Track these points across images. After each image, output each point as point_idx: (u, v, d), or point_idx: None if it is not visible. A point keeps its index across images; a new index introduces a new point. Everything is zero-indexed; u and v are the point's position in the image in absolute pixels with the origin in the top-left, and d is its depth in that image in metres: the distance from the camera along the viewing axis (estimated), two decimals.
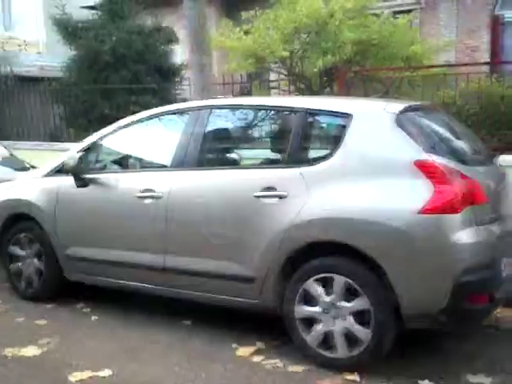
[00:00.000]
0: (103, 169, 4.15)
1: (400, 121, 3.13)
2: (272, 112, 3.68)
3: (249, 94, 8.87)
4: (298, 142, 3.36)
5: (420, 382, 2.99)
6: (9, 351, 3.48)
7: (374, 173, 3.05)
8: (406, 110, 3.26)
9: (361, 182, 3.06)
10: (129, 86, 9.33)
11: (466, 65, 7.33)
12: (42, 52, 19.52)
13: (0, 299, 4.45)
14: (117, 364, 3.27)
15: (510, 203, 3.43)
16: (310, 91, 7.88)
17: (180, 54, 11.33)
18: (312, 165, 3.24)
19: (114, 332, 3.67)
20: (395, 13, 9.20)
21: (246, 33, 8.14)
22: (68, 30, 10.32)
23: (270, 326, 3.66)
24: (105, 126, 7.94)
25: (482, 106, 5.85)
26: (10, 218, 4.47)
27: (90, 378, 3.13)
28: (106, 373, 3.18)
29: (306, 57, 7.70)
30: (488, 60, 10.31)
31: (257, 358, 3.33)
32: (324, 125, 3.50)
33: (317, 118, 3.43)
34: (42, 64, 14.78)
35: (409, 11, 10.44)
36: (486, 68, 7.73)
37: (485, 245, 2.98)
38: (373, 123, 3.18)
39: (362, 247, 2.97)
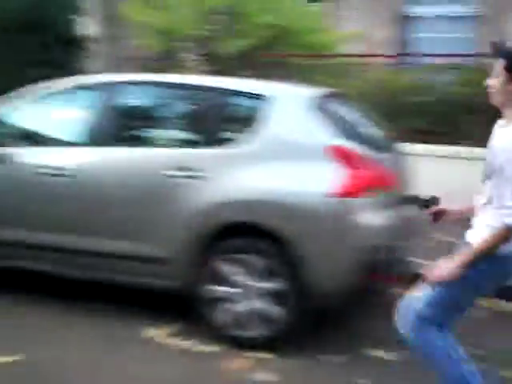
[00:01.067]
0: (5, 143, 3.86)
1: (314, 106, 3.22)
2: (189, 91, 3.60)
3: (161, 71, 8.64)
4: (214, 123, 3.36)
5: (320, 356, 3.12)
6: None
7: (288, 156, 3.12)
8: (320, 96, 3.36)
9: (274, 165, 3.12)
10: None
11: (369, 56, 7.61)
12: None
13: None
14: (27, 349, 3.10)
15: (410, 189, 3.66)
16: (225, 74, 7.81)
17: (85, 25, 10.78)
18: (228, 146, 3.25)
19: (23, 317, 3.47)
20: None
21: (156, 8, 7.86)
22: None
23: (186, 308, 3.65)
24: None
25: (382, 95, 6.16)
26: None
27: (4, 364, 2.95)
28: (17, 357, 3.00)
29: (219, 39, 7.61)
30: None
31: (171, 340, 3.31)
32: (240, 106, 3.50)
33: (233, 98, 3.43)
34: None
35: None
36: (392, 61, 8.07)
37: (386, 228, 3.17)
38: (288, 107, 3.24)
39: (274, 228, 3.03)
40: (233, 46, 7.32)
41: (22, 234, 3.63)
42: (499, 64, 2.08)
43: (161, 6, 7.95)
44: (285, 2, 8.01)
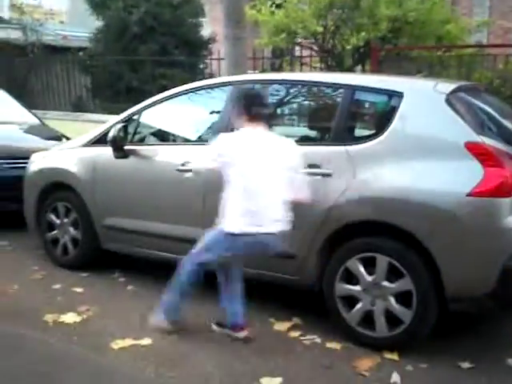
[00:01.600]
0: (143, 141, 4.15)
1: (450, 101, 3.08)
2: (318, 88, 3.62)
3: (279, 69, 8.79)
4: (343, 120, 3.33)
5: (460, 363, 3.00)
6: (49, 317, 3.54)
7: (423, 153, 3.00)
8: (455, 90, 3.20)
9: (409, 163, 3.02)
10: (157, 58, 9.28)
11: (503, 46, 7.14)
12: (65, 22, 19.50)
13: (36, 266, 4.52)
14: (156, 333, 3.31)
15: None
16: (341, 69, 7.75)
17: (206, 27, 11.24)
18: (358, 143, 3.20)
19: (152, 302, 3.69)
20: None
21: (278, 6, 7.99)
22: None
23: (306, 303, 3.68)
24: (131, 98, 7.96)
25: None
26: (48, 187, 4.51)
27: (132, 346, 3.18)
28: (146, 341, 3.22)
29: (338, 33, 7.56)
30: None
31: (294, 333, 3.36)
32: (372, 103, 3.43)
33: (365, 95, 3.37)
34: (65, 33, 14.76)
35: None
36: None
37: None
38: (423, 103, 3.13)
39: (408, 228, 2.95)
40: (353, 40, 7.21)
41: (154, 226, 3.87)
42: None
43: (281, 5, 8.06)
44: None
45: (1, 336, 3.30)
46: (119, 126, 3.92)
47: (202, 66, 9.99)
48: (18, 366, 2.94)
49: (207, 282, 3.27)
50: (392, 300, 3.06)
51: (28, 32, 12.02)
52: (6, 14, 18.31)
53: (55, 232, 4.49)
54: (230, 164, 3.01)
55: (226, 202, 3.04)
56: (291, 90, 3.73)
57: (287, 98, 3.78)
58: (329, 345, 3.21)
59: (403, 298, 3.03)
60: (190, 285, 3.21)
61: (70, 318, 3.54)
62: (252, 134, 3.08)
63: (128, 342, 3.22)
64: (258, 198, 2.98)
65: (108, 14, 9.85)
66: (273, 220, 3.01)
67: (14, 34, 12.17)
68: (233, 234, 3.01)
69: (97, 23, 10.46)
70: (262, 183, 3.00)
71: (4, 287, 4.03)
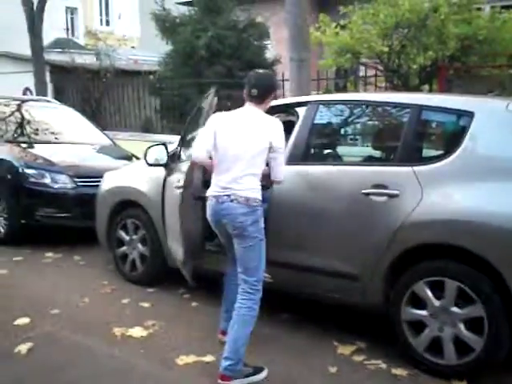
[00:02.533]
0: None
1: None
2: (384, 108, 3.60)
3: (343, 89, 8.78)
4: (411, 140, 3.28)
5: None
6: (117, 330, 3.65)
7: (496, 174, 2.91)
8: None
9: (480, 184, 2.93)
10: (223, 80, 9.52)
11: None
12: (135, 47, 20.44)
13: (106, 280, 4.69)
14: (220, 351, 3.33)
15: None
16: (407, 88, 7.65)
17: (270, 49, 11.43)
18: (427, 163, 3.14)
19: (215, 320, 3.74)
20: (501, 8, 8.70)
21: (343, 28, 8.02)
22: (166, 25, 10.68)
23: (370, 326, 3.61)
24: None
25: None
26: (118, 205, 4.70)
27: (195, 362, 3.23)
28: (209, 358, 3.26)
29: (404, 53, 7.48)
30: None
31: (358, 358, 3.30)
32: (441, 122, 3.37)
33: (433, 114, 3.32)
34: (136, 58, 15.47)
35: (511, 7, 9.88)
36: None
37: None
38: (495, 122, 3.04)
39: (480, 252, 2.84)
40: (420, 59, 7.11)
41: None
42: None
43: (345, 26, 8.09)
44: (474, 13, 7.60)
45: (71, 347, 3.44)
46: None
47: None
48: (84, 376, 3.06)
49: None
50: (461, 326, 2.95)
51: (102, 57, 12.68)
52: (82, 41, 19.48)
53: (124, 248, 4.66)
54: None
55: None
56: (358, 110, 3.72)
57: (354, 118, 3.77)
58: (394, 371, 3.12)
59: (474, 324, 2.91)
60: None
61: (137, 332, 3.64)
62: (239, 112, 3.16)
63: (192, 358, 3.27)
64: (225, 173, 3.07)
65: (177, 38, 10.23)
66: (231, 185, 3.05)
67: (89, 59, 12.89)
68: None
69: (166, 47, 10.90)
70: (231, 156, 3.05)
71: (75, 300, 4.21)
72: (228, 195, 3.03)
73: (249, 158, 3.03)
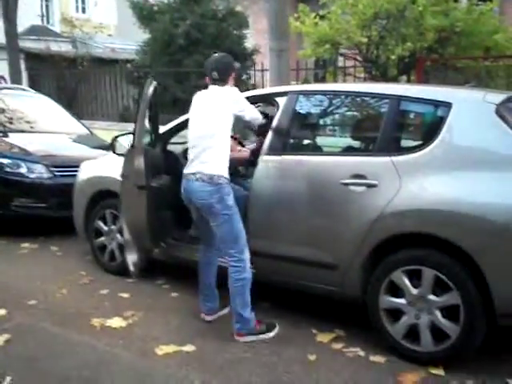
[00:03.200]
0: None
1: (500, 111, 3.01)
2: (362, 98, 3.62)
3: (322, 80, 8.80)
4: (389, 130, 3.30)
5: (509, 380, 2.90)
6: (96, 321, 3.63)
7: (473, 165, 2.95)
8: (505, 101, 3.12)
9: (458, 174, 2.96)
10: (201, 69, 9.45)
11: None
12: (112, 35, 20.12)
13: (84, 271, 4.65)
14: (199, 340, 3.36)
15: None
16: (385, 79, 7.71)
17: (250, 38, 11.38)
18: (405, 154, 3.17)
19: (194, 309, 3.74)
20: (478, 0, 8.80)
21: (322, 18, 8.04)
22: (143, 13, 10.55)
23: (348, 314, 3.65)
24: (176, 109, 8.09)
25: None
26: (96, 195, 4.65)
27: (175, 352, 3.23)
28: (189, 348, 3.27)
29: (383, 43, 7.53)
30: None
31: (336, 345, 3.33)
32: (419, 113, 3.40)
33: (411, 105, 3.34)
34: (113, 46, 15.25)
35: None
36: None
37: None
38: (472, 113, 3.07)
39: (456, 241, 2.89)
40: (398, 50, 7.17)
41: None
42: None
43: (324, 16, 8.11)
44: (451, 4, 7.68)
45: (49, 338, 3.41)
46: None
47: (245, 77, 10.10)
48: (66, 368, 3.03)
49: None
50: (438, 314, 3.00)
51: (78, 45, 12.47)
52: (58, 28, 19.09)
53: (103, 238, 4.62)
54: None
55: None
56: (337, 101, 3.73)
57: (332, 109, 3.79)
58: (372, 358, 3.17)
59: (450, 311, 2.96)
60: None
61: (116, 322, 3.62)
62: (202, 94, 3.44)
63: (172, 347, 3.27)
64: (191, 149, 3.34)
65: (155, 26, 10.11)
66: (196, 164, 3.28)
67: (65, 47, 12.67)
68: None
69: (144, 36, 10.76)
70: (195, 135, 3.33)
71: (53, 291, 4.16)
72: (193, 173, 3.27)
73: (210, 135, 3.24)
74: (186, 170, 3.35)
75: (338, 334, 3.46)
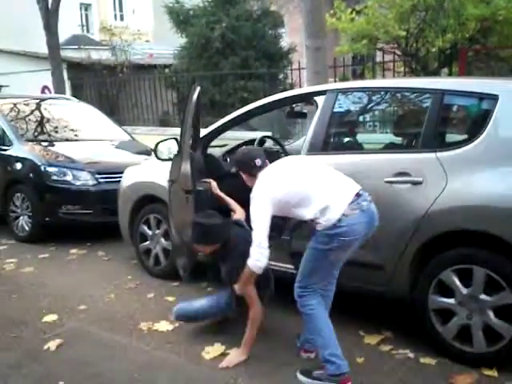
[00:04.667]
0: None
1: None
2: (405, 94, 3.55)
3: (361, 76, 8.68)
4: (433, 126, 3.21)
5: None
6: (144, 325, 3.68)
7: None
8: None
9: (506, 169, 2.86)
10: (237, 71, 9.49)
11: None
12: (150, 40, 20.45)
13: (130, 275, 4.73)
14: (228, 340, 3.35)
15: None
16: (426, 72, 7.53)
17: (285, 37, 11.35)
18: (450, 149, 3.08)
19: (242, 313, 3.75)
20: None
21: (358, 13, 7.93)
22: (180, 17, 10.68)
23: (396, 315, 3.58)
24: (215, 111, 8.14)
25: None
26: (140, 200, 4.72)
27: (222, 355, 3.24)
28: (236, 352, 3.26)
29: (422, 36, 7.36)
30: None
31: (385, 347, 3.28)
32: (463, 107, 3.30)
33: (455, 99, 3.25)
34: (151, 52, 15.48)
35: None
36: None
37: None
38: None
39: (508, 238, 2.78)
40: (438, 42, 6.99)
41: None
42: None
43: (361, 11, 7.99)
44: None
45: (99, 342, 3.48)
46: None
47: (282, 77, 10.09)
48: (116, 371, 3.09)
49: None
50: (491, 314, 2.90)
51: (117, 52, 12.72)
52: (97, 37, 19.55)
53: (147, 243, 4.69)
54: None
55: None
56: (378, 97, 3.67)
57: (374, 106, 3.72)
58: (422, 360, 3.10)
59: (503, 311, 2.86)
60: None
61: (163, 326, 3.67)
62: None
63: (218, 350, 3.28)
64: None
65: (191, 31, 10.22)
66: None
67: (105, 55, 12.95)
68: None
69: (181, 40, 10.89)
70: None
71: (101, 296, 4.25)
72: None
73: None
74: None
75: (386, 336, 3.40)
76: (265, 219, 2.85)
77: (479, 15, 6.77)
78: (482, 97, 3.09)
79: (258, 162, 3.05)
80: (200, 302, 3.54)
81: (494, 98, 2.99)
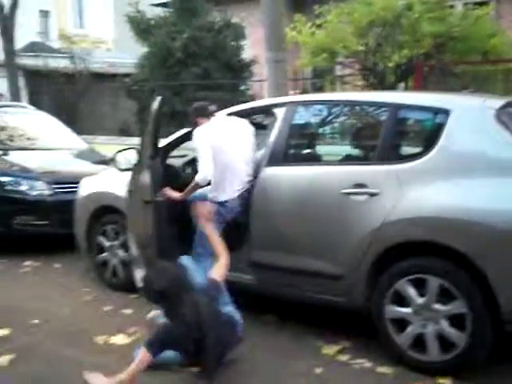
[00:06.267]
0: None
1: (500, 117, 3.01)
2: (362, 107, 3.62)
3: (320, 89, 8.81)
4: (389, 139, 3.29)
5: None
6: (100, 339, 3.60)
7: (474, 171, 2.94)
8: (505, 106, 3.12)
9: (459, 181, 2.95)
10: (199, 82, 9.49)
11: None
12: (110, 49, 20.23)
13: (87, 288, 4.62)
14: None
15: None
16: (383, 86, 7.72)
17: (247, 49, 11.43)
18: (405, 162, 3.16)
19: None
20: (474, 4, 8.85)
21: (319, 27, 8.06)
22: (140, 27, 10.61)
23: (354, 325, 3.62)
24: (175, 121, 8.11)
25: None
26: (97, 211, 4.63)
27: (180, 370, 3.19)
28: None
29: (380, 51, 7.55)
30: None
31: (342, 357, 3.30)
32: (418, 121, 3.40)
33: (411, 113, 3.35)
34: (111, 61, 15.31)
35: (484, 3, 10.06)
36: None
37: None
38: (471, 119, 3.07)
39: (460, 248, 2.87)
40: (395, 57, 7.19)
41: None
42: None
43: (321, 26, 8.13)
44: (447, 10, 7.71)
45: (53, 357, 3.37)
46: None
47: (243, 88, 10.14)
48: None
49: None
50: (444, 323, 2.97)
51: (76, 60, 12.52)
52: (56, 44, 19.21)
53: (105, 254, 4.60)
54: None
55: None
56: (336, 110, 3.73)
57: (332, 118, 3.78)
58: (379, 369, 3.13)
59: (457, 320, 2.93)
60: None
61: (120, 339, 3.59)
62: None
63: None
64: None
65: (152, 40, 10.16)
66: None
67: (64, 63, 12.72)
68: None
69: (142, 49, 10.81)
70: None
71: (56, 309, 4.13)
72: None
73: None
74: None
75: (344, 346, 3.43)
76: (209, 154, 3.54)
77: (434, 32, 7.00)
78: (435, 111, 3.19)
79: (213, 108, 3.84)
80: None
81: (446, 113, 3.09)
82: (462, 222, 2.88)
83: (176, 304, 3.05)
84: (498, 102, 3.13)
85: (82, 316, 4.02)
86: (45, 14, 23.25)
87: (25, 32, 13.73)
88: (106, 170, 5.17)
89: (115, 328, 3.76)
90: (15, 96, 10.68)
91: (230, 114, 3.94)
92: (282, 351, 3.38)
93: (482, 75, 7.06)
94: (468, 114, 3.09)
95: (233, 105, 4.16)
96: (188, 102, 9.51)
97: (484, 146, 2.98)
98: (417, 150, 3.24)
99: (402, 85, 7.82)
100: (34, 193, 5.62)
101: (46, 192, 5.64)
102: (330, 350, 3.38)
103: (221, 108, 4.08)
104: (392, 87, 7.61)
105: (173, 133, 4.31)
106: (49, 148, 6.56)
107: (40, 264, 5.36)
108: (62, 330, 3.77)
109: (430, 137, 3.19)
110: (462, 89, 6.92)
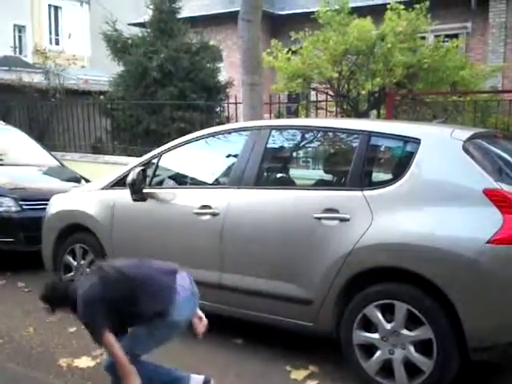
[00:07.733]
0: (161, 184, 4.20)
1: (467, 148, 3.10)
2: (335, 134, 3.68)
3: (295, 113, 8.93)
4: (360, 165, 3.34)
5: None
6: (63, 361, 3.52)
7: (442, 200, 3.00)
8: (472, 137, 3.22)
9: (427, 209, 3.01)
10: (175, 102, 9.48)
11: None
12: (86, 66, 20.13)
13: None
14: None
15: None
16: (356, 113, 7.87)
17: (223, 71, 11.52)
18: (376, 188, 3.21)
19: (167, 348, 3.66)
20: (445, 36, 9.15)
21: (294, 53, 8.21)
22: (117, 45, 10.59)
23: (323, 350, 3.62)
24: (150, 141, 8.09)
25: None
26: (66, 229, 4.55)
27: None
28: None
29: (353, 78, 7.71)
30: None
31: (311, 382, 3.28)
32: (389, 148, 3.47)
33: (382, 141, 3.42)
34: (86, 78, 15.21)
35: (455, 36, 10.42)
36: None
37: None
38: (440, 149, 3.15)
39: (427, 275, 2.91)
40: (368, 85, 7.35)
41: None
42: None
43: (296, 51, 8.28)
44: (419, 41, 7.96)
45: (15, 380, 3.28)
46: (138, 169, 3.96)
47: (218, 110, 10.18)
48: None
49: None
50: (411, 349, 2.99)
51: (50, 76, 12.38)
52: (31, 59, 19.02)
53: (72, 274, 4.50)
54: None
55: None
56: (309, 135, 3.79)
57: (305, 143, 3.84)
58: None
59: (423, 346, 2.96)
60: None
61: (84, 362, 3.51)
62: None
63: None
64: None
65: (128, 59, 10.15)
66: None
67: (37, 78, 12.56)
68: None
69: (118, 68, 10.78)
70: None
71: (20, 329, 4.02)
72: None
73: None
74: None
75: (313, 371, 3.42)
76: None
77: (406, 62, 7.19)
78: (405, 140, 3.26)
79: None
80: None
81: (416, 142, 3.17)
82: (429, 248, 2.93)
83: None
84: (465, 133, 3.22)
85: (46, 337, 3.92)
86: (20, 28, 23.08)
87: None
88: (77, 188, 5.11)
89: (80, 350, 3.68)
90: None
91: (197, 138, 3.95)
92: (251, 376, 3.35)
93: (451, 105, 7.27)
94: (437, 144, 3.17)
95: (208, 126, 4.20)
96: (163, 122, 9.56)
97: (451, 175, 3.05)
98: (387, 176, 3.30)
99: (375, 112, 7.97)
100: (1, 209, 5.50)
101: (13, 209, 5.53)
102: (298, 374, 3.37)
103: (197, 128, 4.10)
104: (365, 114, 7.76)
105: (147, 152, 4.30)
106: (18, 164, 6.45)
107: (4, 283, 5.23)
108: (25, 351, 3.67)
109: (400, 164, 3.25)
110: (433, 118, 7.12)
